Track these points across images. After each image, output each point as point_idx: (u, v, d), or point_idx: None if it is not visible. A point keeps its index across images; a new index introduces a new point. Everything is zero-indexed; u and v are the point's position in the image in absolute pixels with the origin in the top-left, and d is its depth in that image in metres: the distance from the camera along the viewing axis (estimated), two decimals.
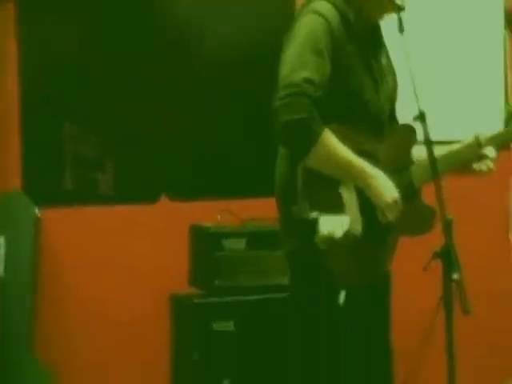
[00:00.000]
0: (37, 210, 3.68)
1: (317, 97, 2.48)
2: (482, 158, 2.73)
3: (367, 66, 2.70)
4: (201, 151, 4.00)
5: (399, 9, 2.56)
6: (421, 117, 2.51)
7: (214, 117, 4.01)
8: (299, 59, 2.52)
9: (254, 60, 4.01)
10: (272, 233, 3.59)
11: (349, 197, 2.59)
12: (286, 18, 2.84)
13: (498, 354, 4.19)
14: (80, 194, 3.85)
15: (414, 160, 2.72)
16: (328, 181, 2.57)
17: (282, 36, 2.62)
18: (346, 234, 2.52)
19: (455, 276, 2.36)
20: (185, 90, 3.97)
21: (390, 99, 2.83)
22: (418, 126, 2.51)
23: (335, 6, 2.61)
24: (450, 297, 2.45)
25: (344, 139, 2.55)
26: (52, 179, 3.82)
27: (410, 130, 2.67)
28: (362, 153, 2.59)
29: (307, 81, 2.47)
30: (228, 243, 3.62)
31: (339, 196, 2.59)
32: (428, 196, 2.65)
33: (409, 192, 2.67)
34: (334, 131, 2.53)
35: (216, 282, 3.59)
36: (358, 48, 2.66)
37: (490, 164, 2.73)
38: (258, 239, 3.65)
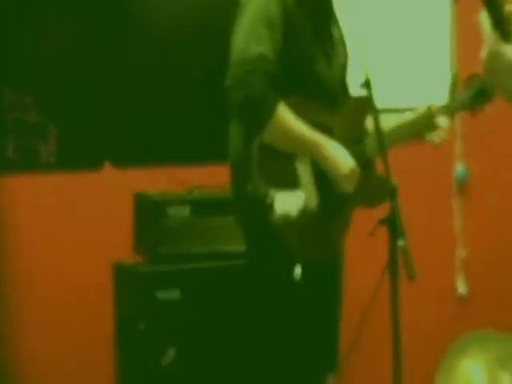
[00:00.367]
0: None
1: (271, 72, 2.47)
2: (434, 128, 2.74)
3: (319, 39, 2.69)
4: (146, 118, 3.94)
5: None
6: (366, 84, 2.51)
7: (160, 82, 3.94)
8: (252, 32, 2.50)
9: (204, 28, 3.95)
10: (218, 200, 3.57)
11: (304, 171, 2.59)
12: None
13: (440, 319, 4.25)
14: (21, 162, 3.77)
15: (369, 131, 2.72)
16: (283, 155, 2.56)
17: (234, 6, 2.60)
18: (302, 211, 2.52)
19: (400, 242, 2.38)
20: (129, 55, 3.90)
21: (342, 71, 2.82)
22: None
23: None
24: (395, 263, 2.48)
25: (298, 112, 2.55)
26: None
27: (363, 102, 2.66)
28: (316, 125, 2.59)
29: (261, 56, 2.46)
30: (172, 211, 3.58)
31: (294, 170, 2.58)
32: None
33: (363, 163, 2.67)
34: (287, 105, 2.52)
35: (159, 249, 3.56)
36: (310, 20, 2.64)
37: (442, 134, 2.74)
38: (203, 206, 3.63)
